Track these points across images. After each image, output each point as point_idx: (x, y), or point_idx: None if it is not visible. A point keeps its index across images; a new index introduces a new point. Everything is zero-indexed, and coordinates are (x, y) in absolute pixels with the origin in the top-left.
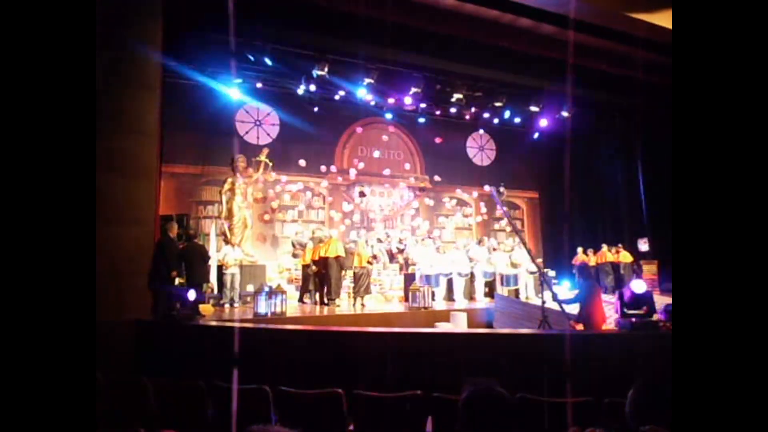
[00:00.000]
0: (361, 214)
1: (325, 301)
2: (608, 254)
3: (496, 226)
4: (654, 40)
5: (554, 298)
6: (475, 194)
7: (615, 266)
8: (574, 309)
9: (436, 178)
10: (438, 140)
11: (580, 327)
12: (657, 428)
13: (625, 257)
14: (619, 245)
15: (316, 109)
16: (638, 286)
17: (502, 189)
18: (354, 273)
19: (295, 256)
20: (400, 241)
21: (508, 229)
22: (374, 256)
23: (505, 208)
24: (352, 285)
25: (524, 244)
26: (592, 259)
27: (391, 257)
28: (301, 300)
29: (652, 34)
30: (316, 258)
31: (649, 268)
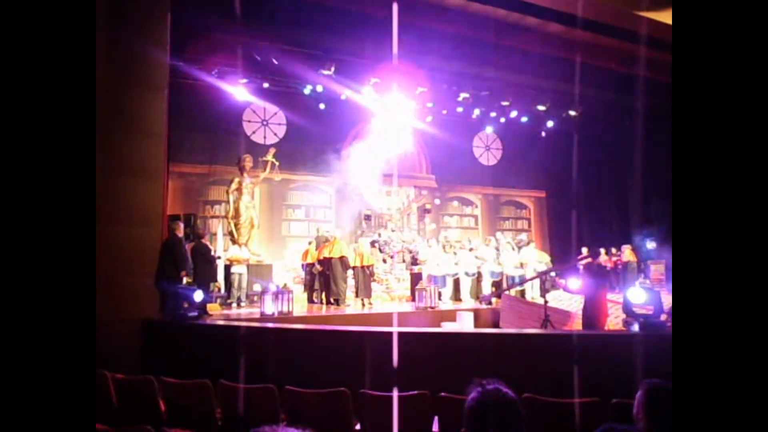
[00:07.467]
0: (367, 215)
1: (332, 301)
2: (604, 256)
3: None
4: (660, 38)
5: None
6: (480, 195)
7: (622, 266)
8: (574, 304)
9: (442, 177)
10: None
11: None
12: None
13: (628, 257)
14: (623, 246)
15: (322, 105)
16: (635, 295)
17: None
18: (354, 272)
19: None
20: (410, 243)
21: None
22: (391, 256)
23: None
24: (355, 285)
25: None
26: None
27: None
28: (311, 300)
29: (658, 33)
30: (321, 258)
31: (657, 268)
